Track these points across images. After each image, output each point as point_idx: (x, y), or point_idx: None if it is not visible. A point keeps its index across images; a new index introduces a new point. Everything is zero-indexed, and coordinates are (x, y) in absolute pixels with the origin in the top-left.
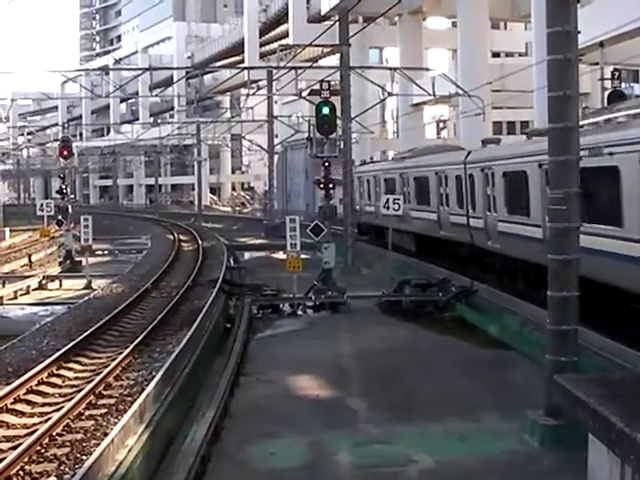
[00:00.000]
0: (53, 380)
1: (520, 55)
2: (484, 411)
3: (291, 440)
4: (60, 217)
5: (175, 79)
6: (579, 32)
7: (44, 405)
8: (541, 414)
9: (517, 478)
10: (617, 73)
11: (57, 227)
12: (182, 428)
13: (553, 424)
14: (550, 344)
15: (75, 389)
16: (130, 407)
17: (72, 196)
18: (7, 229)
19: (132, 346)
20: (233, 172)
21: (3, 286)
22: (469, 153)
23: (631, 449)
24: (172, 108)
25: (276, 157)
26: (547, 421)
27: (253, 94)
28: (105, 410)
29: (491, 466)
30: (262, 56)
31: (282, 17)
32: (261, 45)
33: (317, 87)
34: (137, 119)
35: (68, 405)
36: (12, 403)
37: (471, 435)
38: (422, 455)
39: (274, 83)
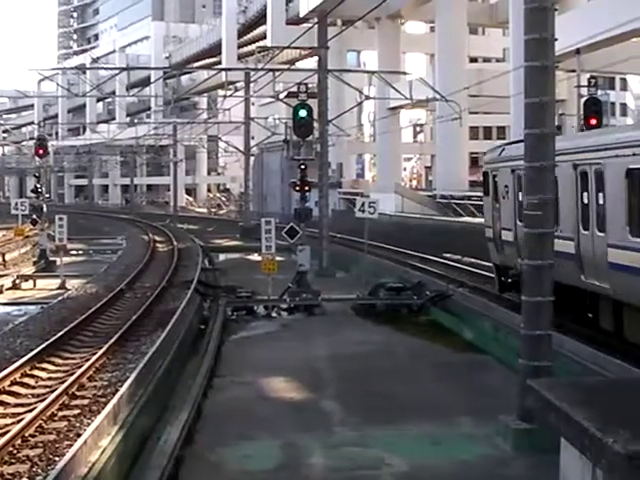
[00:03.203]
0: (26, 380)
1: (497, 61)
2: (458, 415)
3: (265, 442)
4: (35, 216)
5: (152, 79)
6: (556, 39)
7: (17, 406)
8: (514, 418)
9: None
10: (593, 80)
11: (32, 226)
12: (156, 429)
13: (526, 428)
14: (524, 349)
15: (48, 390)
16: (104, 408)
17: (47, 195)
18: None
19: (106, 347)
20: (209, 173)
21: None
22: None
23: (602, 453)
24: (149, 108)
25: (252, 159)
26: (520, 425)
27: (230, 95)
28: (78, 411)
29: (464, 470)
30: (240, 57)
31: (261, 19)
32: (239, 46)
33: (295, 89)
34: (113, 119)
35: (41, 406)
36: None
37: (445, 439)
38: (396, 458)
39: (251, 85)
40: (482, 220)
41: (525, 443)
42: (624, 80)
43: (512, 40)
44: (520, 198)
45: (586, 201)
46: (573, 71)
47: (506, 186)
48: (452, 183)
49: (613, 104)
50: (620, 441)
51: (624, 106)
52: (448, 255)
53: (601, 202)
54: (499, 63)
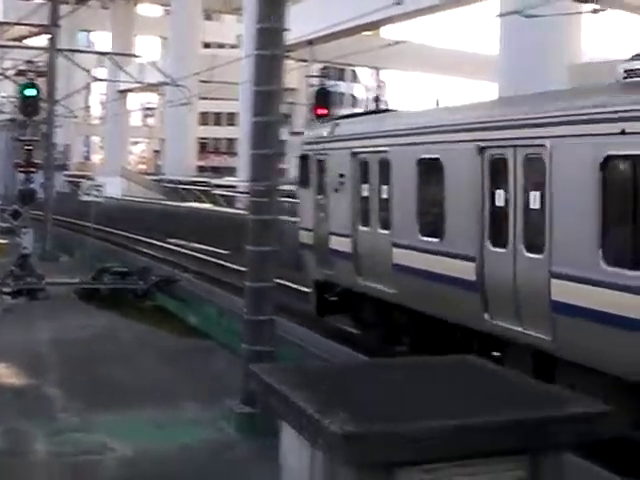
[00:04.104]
0: None
1: (232, 47)
2: (183, 399)
3: None
4: None
5: None
6: (287, 30)
7: None
8: (238, 403)
9: (213, 465)
10: (325, 71)
11: None
12: None
13: (249, 412)
14: (246, 334)
15: None
16: None
17: None
18: None
19: None
20: None
21: None
22: None
23: (320, 434)
24: None
25: None
26: (244, 409)
27: None
28: None
29: (187, 453)
30: None
31: None
32: None
33: (24, 67)
34: None
35: None
36: None
37: (169, 423)
38: (119, 443)
39: None
40: (294, 219)
41: (249, 426)
42: (354, 72)
43: (245, 28)
44: (366, 193)
45: (501, 203)
46: (305, 61)
47: (341, 175)
48: (180, 168)
49: (343, 94)
50: (337, 422)
51: (354, 97)
52: (174, 240)
53: (536, 206)
54: (233, 50)
